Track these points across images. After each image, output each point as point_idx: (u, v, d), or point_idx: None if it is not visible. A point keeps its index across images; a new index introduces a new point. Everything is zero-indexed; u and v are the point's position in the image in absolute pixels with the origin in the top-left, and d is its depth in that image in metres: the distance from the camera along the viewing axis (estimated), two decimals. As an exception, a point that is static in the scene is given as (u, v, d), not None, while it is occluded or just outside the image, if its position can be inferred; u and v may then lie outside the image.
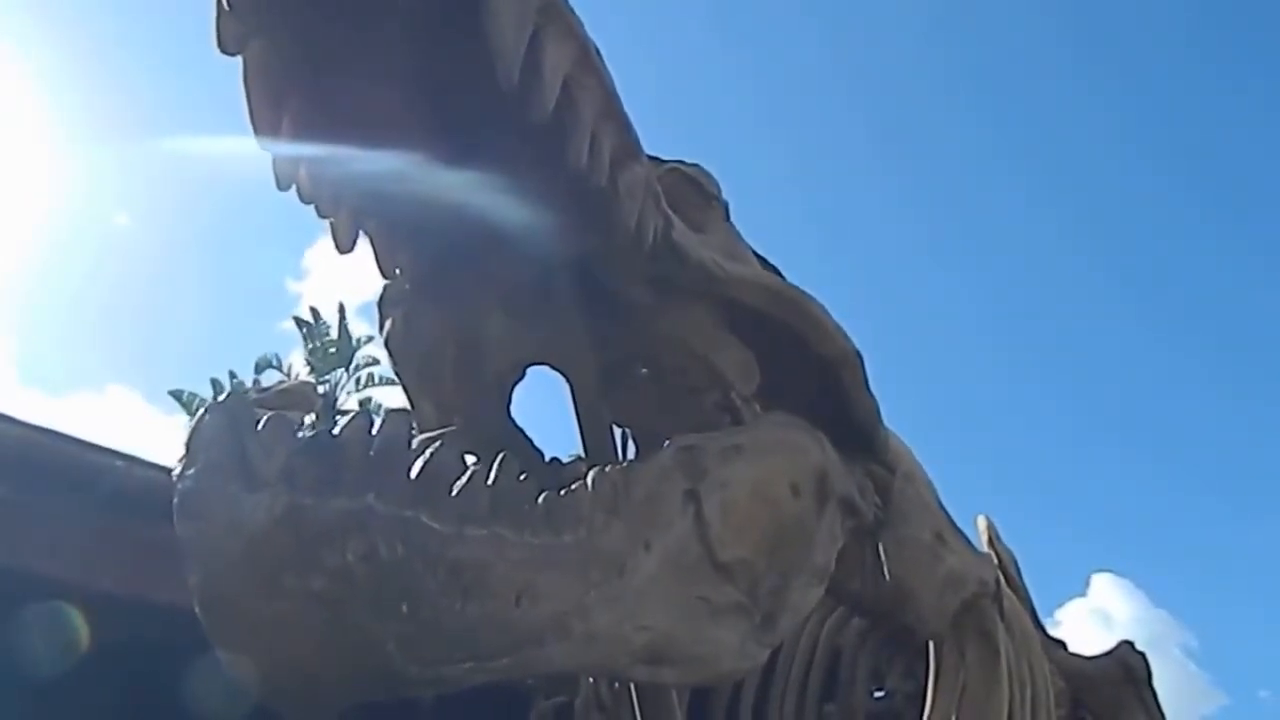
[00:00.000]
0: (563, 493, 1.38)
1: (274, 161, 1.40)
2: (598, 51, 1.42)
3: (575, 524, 1.35)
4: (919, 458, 2.49)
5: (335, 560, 1.11)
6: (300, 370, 14.74)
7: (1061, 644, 3.24)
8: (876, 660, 2.90)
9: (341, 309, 15.13)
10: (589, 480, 1.42)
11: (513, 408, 1.94)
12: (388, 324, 1.79)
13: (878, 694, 2.97)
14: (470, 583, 1.20)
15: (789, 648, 2.85)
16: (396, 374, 1.86)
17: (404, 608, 1.15)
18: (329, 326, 14.87)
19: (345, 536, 1.11)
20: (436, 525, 1.18)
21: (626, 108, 1.52)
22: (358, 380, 15.24)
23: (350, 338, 14.86)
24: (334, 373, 15.05)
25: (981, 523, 3.05)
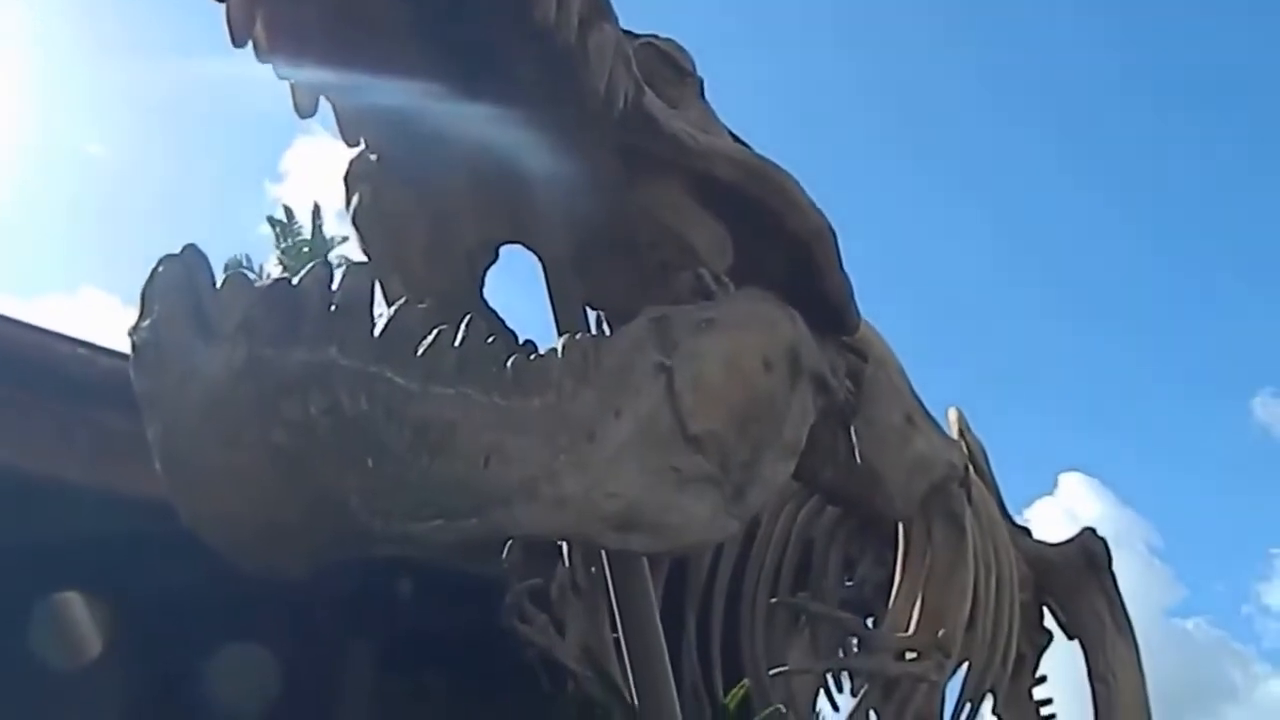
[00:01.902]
0: (532, 358, 1.36)
1: (228, 11, 1.35)
2: None
3: (544, 389, 1.33)
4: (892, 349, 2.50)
5: (296, 413, 1.09)
6: (273, 271, 14.56)
7: (1026, 531, 3.31)
8: (848, 551, 2.95)
9: (316, 208, 14.85)
10: (559, 347, 1.40)
11: (486, 291, 1.93)
12: (354, 199, 1.75)
13: (848, 584, 3.02)
14: (436, 441, 1.19)
15: (762, 539, 2.89)
16: (365, 253, 1.82)
17: (368, 462, 1.13)
18: (302, 227, 14.67)
19: (306, 389, 1.09)
20: (401, 382, 1.16)
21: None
22: (331, 281, 15.01)
23: (325, 238, 14.66)
24: (307, 272, 14.77)
25: (952, 414, 3.08)
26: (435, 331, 1.23)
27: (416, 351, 1.20)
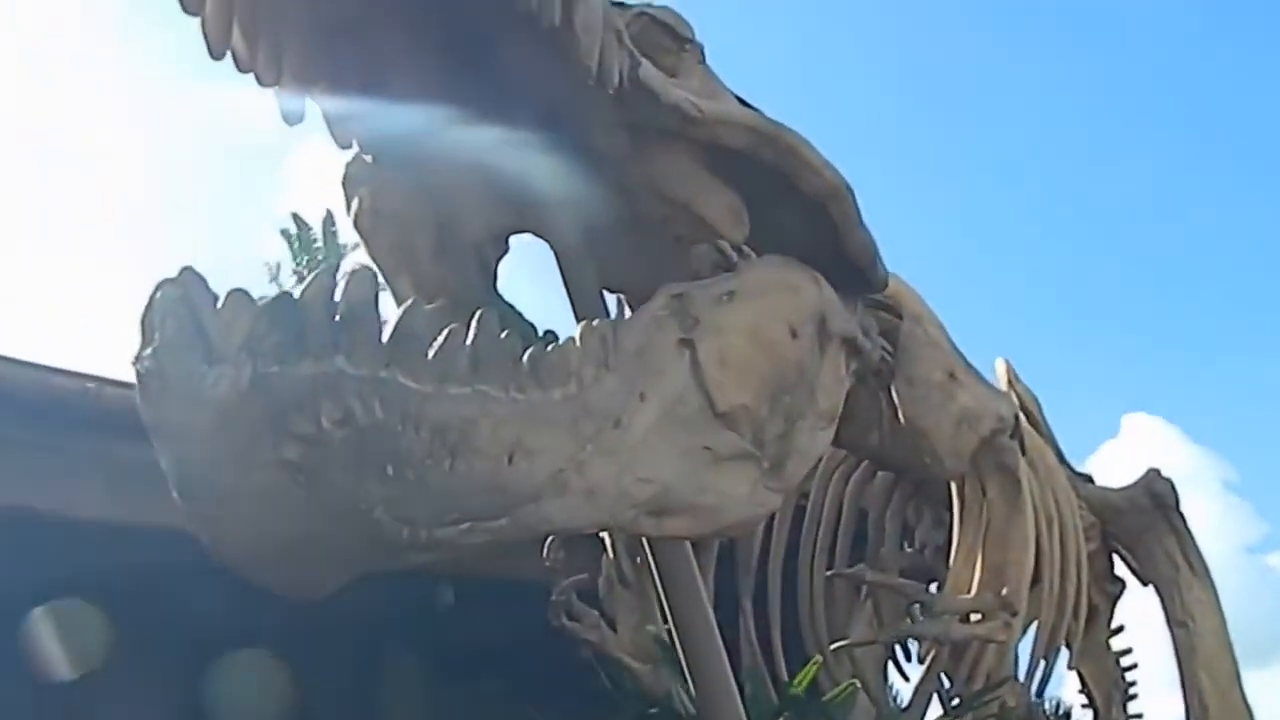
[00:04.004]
0: (549, 349, 1.32)
1: (204, 25, 1.31)
2: None
3: (564, 379, 1.29)
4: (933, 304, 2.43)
5: (308, 427, 1.06)
6: (289, 283, 14.47)
7: (1088, 478, 3.21)
8: (904, 516, 2.88)
9: (329, 215, 14.67)
10: (576, 335, 1.36)
11: (501, 284, 1.88)
12: (354, 204, 1.72)
13: (908, 550, 2.95)
14: (456, 442, 1.15)
15: (813, 512, 2.83)
16: (371, 257, 1.79)
17: (388, 470, 1.10)
18: (317, 236, 14.53)
19: (317, 401, 1.06)
20: (414, 385, 1.13)
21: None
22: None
23: (337, 245, 14.48)
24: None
25: (1000, 365, 3.00)
26: (446, 331, 1.19)
27: (427, 353, 1.17)
